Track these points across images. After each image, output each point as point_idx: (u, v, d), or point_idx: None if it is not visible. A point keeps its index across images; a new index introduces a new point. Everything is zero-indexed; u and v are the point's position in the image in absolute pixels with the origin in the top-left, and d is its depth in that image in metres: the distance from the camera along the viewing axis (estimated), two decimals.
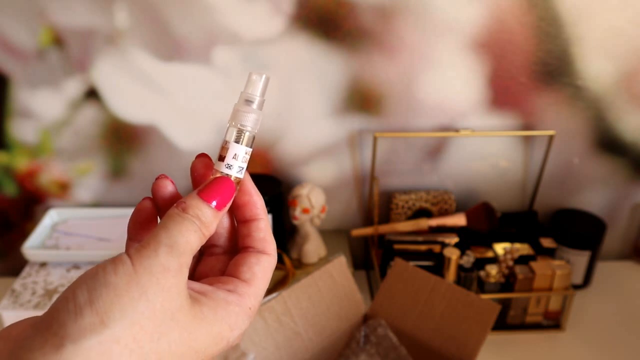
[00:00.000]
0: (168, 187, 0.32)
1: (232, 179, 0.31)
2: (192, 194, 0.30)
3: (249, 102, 0.32)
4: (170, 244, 0.27)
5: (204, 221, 0.29)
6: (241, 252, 0.33)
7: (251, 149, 0.32)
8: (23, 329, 0.26)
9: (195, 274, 0.34)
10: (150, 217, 0.32)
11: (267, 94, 0.32)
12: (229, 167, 0.31)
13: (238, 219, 0.33)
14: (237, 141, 0.32)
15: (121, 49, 0.81)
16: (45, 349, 0.24)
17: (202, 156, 0.33)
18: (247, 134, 0.32)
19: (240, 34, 0.81)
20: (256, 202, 0.33)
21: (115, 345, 0.24)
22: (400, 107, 0.87)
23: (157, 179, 0.32)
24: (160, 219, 0.30)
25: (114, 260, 0.27)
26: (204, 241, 0.29)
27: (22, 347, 0.25)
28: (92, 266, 0.27)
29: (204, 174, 0.32)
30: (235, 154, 0.31)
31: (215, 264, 0.34)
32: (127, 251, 0.28)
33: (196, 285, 0.30)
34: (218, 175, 0.31)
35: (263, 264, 0.32)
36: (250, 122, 0.32)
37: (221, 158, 0.32)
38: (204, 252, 0.34)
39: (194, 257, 0.34)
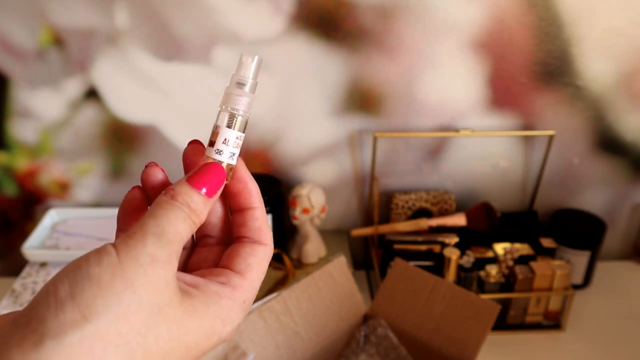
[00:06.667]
0: (158, 175, 0.31)
1: (224, 165, 0.30)
2: (181, 180, 0.29)
3: (240, 84, 0.31)
4: (159, 232, 0.26)
5: (193, 209, 0.28)
6: (235, 242, 0.31)
7: (243, 134, 0.31)
8: (2, 325, 0.25)
9: (187, 266, 0.32)
10: (140, 207, 0.31)
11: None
12: (219, 152, 0.30)
13: (232, 207, 0.32)
14: (228, 126, 0.30)
15: (121, 49, 0.81)
16: (24, 346, 0.23)
17: (194, 143, 0.32)
18: (239, 118, 0.31)
19: (240, 34, 0.81)
20: (251, 189, 0.31)
21: (99, 341, 0.23)
22: (400, 107, 0.87)
23: (146, 166, 0.31)
24: None
25: (98, 251, 0.25)
26: (194, 230, 0.28)
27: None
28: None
29: (195, 161, 0.31)
30: (226, 139, 0.30)
31: (209, 255, 0.32)
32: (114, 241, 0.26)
33: (188, 277, 0.29)
34: (209, 161, 0.30)
35: (258, 254, 0.31)
36: (242, 105, 0.31)
37: (212, 143, 0.30)
38: (197, 243, 0.33)
39: (186, 249, 0.33)
